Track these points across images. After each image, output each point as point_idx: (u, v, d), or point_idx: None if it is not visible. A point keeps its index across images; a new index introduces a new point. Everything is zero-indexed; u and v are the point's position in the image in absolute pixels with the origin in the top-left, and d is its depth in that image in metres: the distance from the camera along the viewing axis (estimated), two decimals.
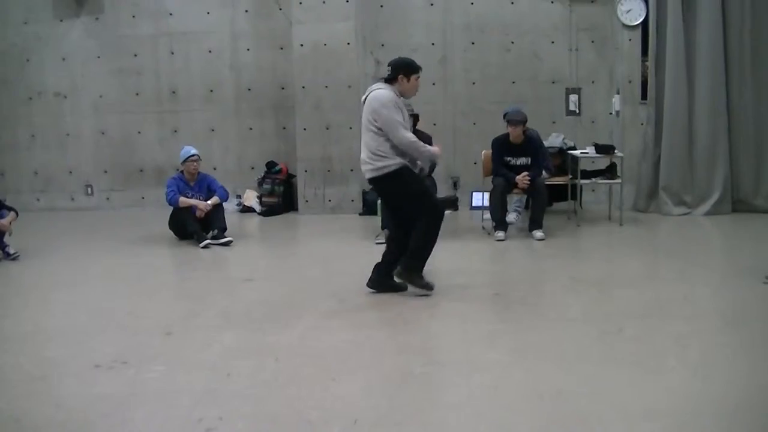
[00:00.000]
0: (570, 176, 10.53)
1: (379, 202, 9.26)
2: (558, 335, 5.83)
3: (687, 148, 11.08)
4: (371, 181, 7.01)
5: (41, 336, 6.10)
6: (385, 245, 7.40)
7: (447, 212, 11.25)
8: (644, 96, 11.36)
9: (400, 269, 6.96)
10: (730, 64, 10.98)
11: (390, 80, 6.87)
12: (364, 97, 6.95)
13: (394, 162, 6.75)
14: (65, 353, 5.64)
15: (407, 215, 6.97)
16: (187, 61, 12.70)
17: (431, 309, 6.62)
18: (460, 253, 8.99)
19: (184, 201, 9.70)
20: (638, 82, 11.48)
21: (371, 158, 6.81)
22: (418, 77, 6.97)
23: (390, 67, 6.92)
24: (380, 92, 6.79)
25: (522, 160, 9.71)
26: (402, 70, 6.86)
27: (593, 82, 12.04)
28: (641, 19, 11.25)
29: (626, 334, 5.80)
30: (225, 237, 9.59)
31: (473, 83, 12.09)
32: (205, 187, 10.01)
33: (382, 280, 7.07)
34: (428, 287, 6.94)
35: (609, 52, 11.90)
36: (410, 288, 6.97)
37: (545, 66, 12.09)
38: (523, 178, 9.52)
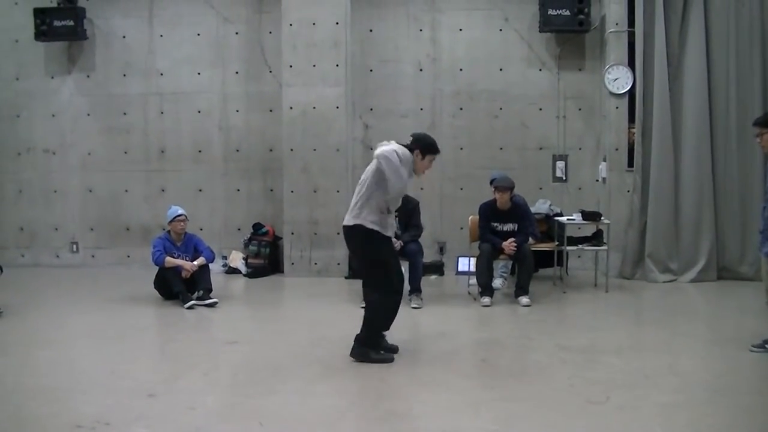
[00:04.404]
0: (556, 242, 10.54)
1: None
2: (544, 404, 5.81)
3: (673, 216, 11.16)
4: (344, 229, 6.96)
5: (22, 395, 6.04)
6: None
7: (432, 278, 11.39)
8: (631, 163, 11.43)
9: (353, 346, 6.93)
10: (716, 132, 11.11)
11: (407, 148, 6.83)
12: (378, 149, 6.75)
13: (371, 223, 6.76)
14: (46, 412, 5.58)
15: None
16: (176, 121, 12.74)
17: (416, 375, 6.58)
18: (445, 318, 8.95)
19: (170, 261, 9.66)
20: (625, 150, 11.54)
21: (353, 209, 6.83)
22: (433, 159, 6.96)
23: (412, 138, 6.91)
24: (399, 146, 6.72)
25: (509, 226, 9.72)
26: (420, 146, 6.84)
27: (580, 149, 12.13)
28: (628, 88, 11.37)
29: (613, 403, 5.78)
30: (210, 298, 9.54)
31: (461, 149, 12.16)
32: (192, 247, 9.99)
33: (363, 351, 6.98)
34: (386, 359, 6.88)
35: (596, 120, 12.02)
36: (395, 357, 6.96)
37: (532, 133, 12.17)
38: (509, 244, 9.53)
